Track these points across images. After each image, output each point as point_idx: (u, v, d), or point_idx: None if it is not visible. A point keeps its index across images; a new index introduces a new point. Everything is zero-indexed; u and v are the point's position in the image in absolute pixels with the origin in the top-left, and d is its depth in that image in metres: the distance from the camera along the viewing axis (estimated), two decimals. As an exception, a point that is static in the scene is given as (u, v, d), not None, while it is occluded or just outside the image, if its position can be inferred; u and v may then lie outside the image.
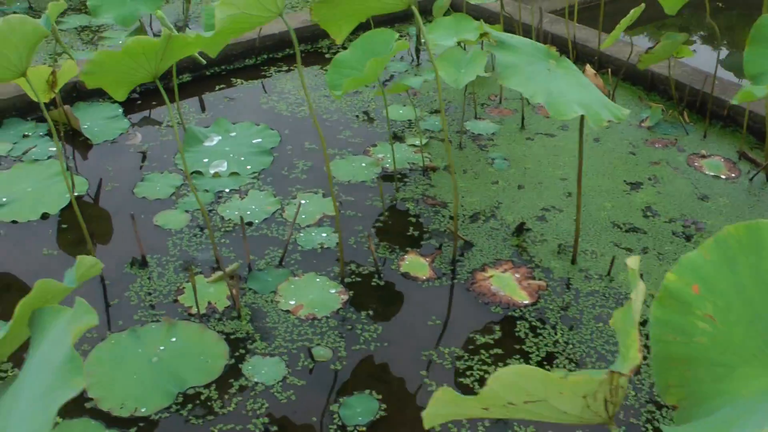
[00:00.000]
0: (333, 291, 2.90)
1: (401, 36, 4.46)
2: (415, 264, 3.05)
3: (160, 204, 3.44)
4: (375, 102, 4.33)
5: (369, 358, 2.64)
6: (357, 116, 4.18)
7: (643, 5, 3.84)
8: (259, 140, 3.86)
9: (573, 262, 3.09)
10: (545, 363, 2.61)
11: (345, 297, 2.88)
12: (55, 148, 3.90)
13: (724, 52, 5.39)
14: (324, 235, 3.19)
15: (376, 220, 3.31)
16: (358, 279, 2.98)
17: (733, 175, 3.67)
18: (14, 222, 3.37)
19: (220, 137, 3.88)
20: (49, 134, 4.04)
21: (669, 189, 3.56)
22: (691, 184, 3.59)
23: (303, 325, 2.75)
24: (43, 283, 1.54)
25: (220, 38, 2.45)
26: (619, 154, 3.83)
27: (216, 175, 3.59)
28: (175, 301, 2.89)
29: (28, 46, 2.72)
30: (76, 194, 3.51)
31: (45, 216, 3.40)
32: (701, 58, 4.93)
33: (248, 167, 3.65)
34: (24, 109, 4.19)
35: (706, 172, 3.68)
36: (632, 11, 3.81)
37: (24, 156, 3.84)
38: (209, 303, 2.87)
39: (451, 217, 3.31)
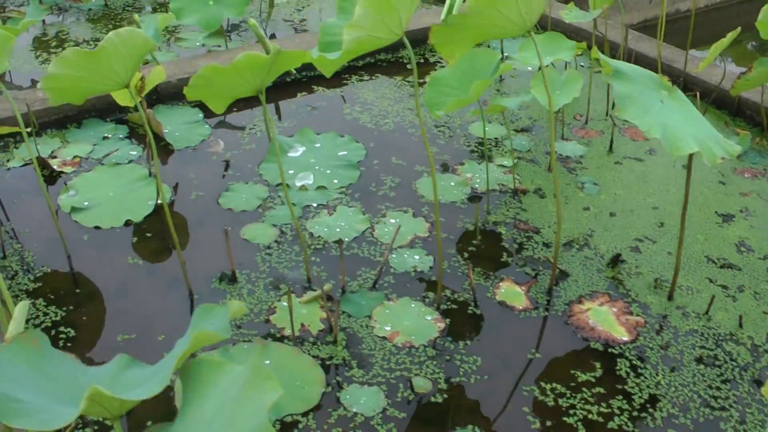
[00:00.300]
0: (429, 318, 2.86)
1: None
2: (510, 292, 3.01)
3: (247, 216, 3.42)
4: (458, 116, 4.28)
5: (470, 391, 2.60)
6: (441, 132, 4.13)
7: (738, 29, 3.76)
8: (345, 153, 3.82)
9: (670, 298, 3.02)
10: (648, 406, 2.56)
11: (442, 325, 2.84)
12: (135, 152, 3.89)
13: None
14: (416, 257, 3.15)
15: (468, 243, 3.26)
16: (454, 306, 2.93)
17: (828, 210, 3.58)
18: (97, 228, 3.36)
19: (304, 148, 3.85)
20: (129, 137, 4.03)
21: (761, 223, 3.48)
22: (785, 218, 3.51)
23: (400, 353, 2.72)
24: (200, 334, 1.51)
25: (344, 59, 2.42)
26: (709, 183, 3.75)
27: (303, 188, 3.56)
28: (267, 321, 2.86)
29: (136, 59, 2.70)
30: (159, 202, 3.49)
31: (128, 223, 3.39)
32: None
33: (335, 181, 3.61)
34: (103, 110, 4.18)
35: (800, 206, 3.60)
36: (729, 35, 3.72)
37: (105, 159, 3.83)
38: (302, 325, 2.84)
39: (545, 245, 3.26)
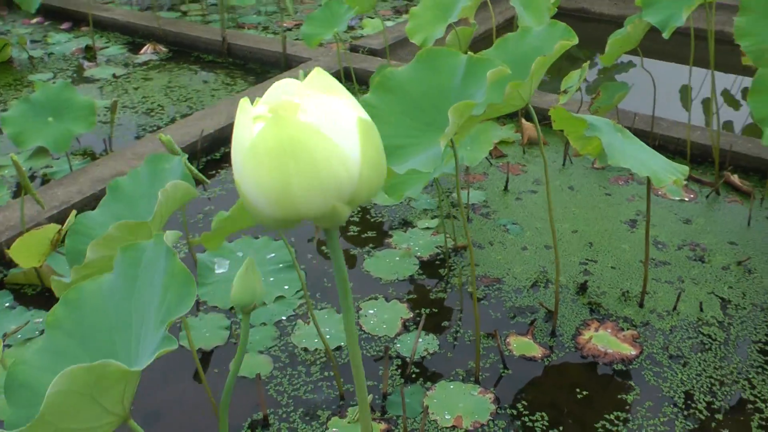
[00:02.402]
0: (475, 393, 2.91)
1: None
2: (522, 344, 3.15)
3: (225, 352, 3.18)
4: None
5: (555, 447, 2.70)
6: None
7: (588, 62, 4.22)
8: (273, 255, 3.68)
9: (641, 306, 3.35)
10: (688, 400, 2.84)
11: (491, 396, 2.89)
12: (41, 319, 3.44)
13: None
14: (420, 340, 3.17)
15: (457, 311, 3.34)
16: (487, 374, 3.01)
17: (692, 196, 4.17)
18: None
19: (228, 261, 3.66)
20: (18, 302, 3.52)
21: (656, 220, 3.95)
22: (670, 212, 4.02)
23: (477, 436, 2.75)
24: None
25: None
26: (599, 197, 4.18)
27: (263, 303, 3.40)
28: (328, 453, 2.72)
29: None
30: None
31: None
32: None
33: (286, 287, 3.49)
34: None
35: (672, 198, 4.15)
36: (583, 66, 4.14)
37: (10, 339, 3.31)
38: (360, 441, 2.74)
39: (515, 291, 3.44)
